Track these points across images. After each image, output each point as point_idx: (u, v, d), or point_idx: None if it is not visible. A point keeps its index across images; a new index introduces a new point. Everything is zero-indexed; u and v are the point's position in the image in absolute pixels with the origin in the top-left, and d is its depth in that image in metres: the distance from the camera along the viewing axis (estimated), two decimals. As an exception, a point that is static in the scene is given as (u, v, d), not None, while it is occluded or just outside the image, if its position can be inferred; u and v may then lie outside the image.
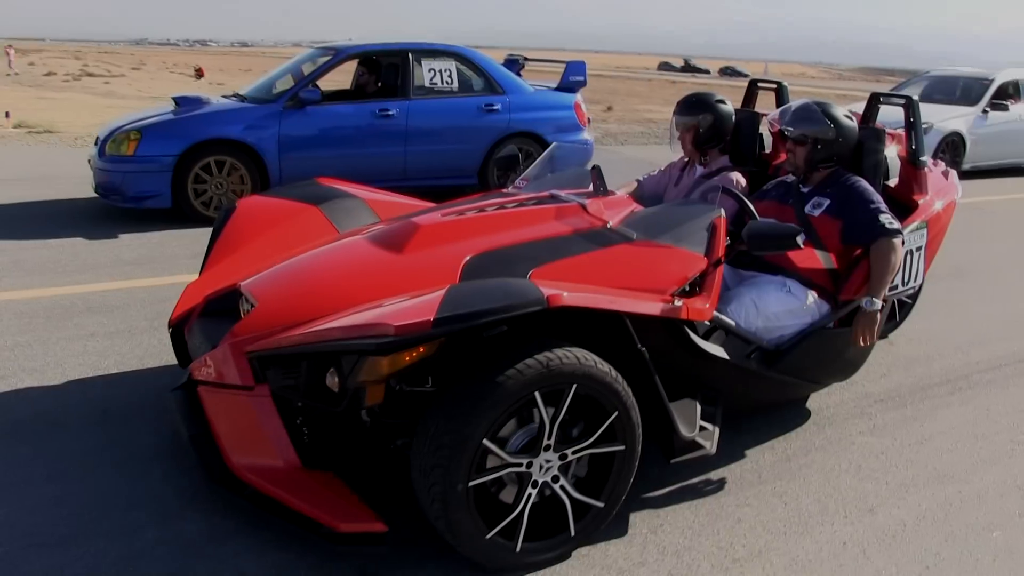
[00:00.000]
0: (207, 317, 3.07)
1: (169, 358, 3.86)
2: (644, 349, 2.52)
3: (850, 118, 3.57)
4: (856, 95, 40.45)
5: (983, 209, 9.33)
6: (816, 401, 3.81)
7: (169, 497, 2.77)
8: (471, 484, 2.26)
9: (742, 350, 3.18)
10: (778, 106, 4.42)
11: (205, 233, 6.24)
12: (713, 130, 3.92)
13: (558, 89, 8.53)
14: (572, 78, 8.57)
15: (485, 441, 2.23)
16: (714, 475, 3.11)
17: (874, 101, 4.09)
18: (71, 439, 3.13)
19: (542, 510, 2.46)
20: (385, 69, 7.94)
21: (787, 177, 3.73)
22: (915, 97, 3.89)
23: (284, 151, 6.99)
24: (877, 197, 3.43)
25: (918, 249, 3.69)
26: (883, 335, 4.48)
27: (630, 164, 4.14)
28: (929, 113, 11.42)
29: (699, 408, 2.88)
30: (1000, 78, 12.36)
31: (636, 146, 14.65)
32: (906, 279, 3.64)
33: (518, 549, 2.40)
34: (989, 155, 11.97)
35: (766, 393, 3.39)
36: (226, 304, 3.06)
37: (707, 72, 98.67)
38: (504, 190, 3.78)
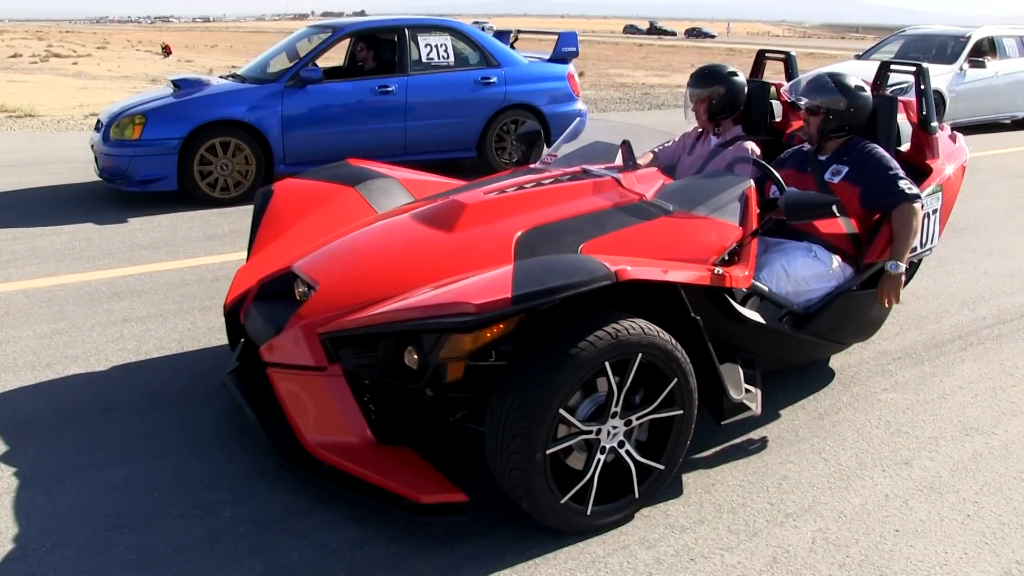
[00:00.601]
0: (263, 300, 3.13)
1: (207, 341, 3.96)
2: (698, 317, 2.64)
3: (863, 88, 3.68)
4: (824, 53, 40.89)
5: (969, 166, 9.51)
6: (837, 361, 3.96)
7: (238, 477, 2.85)
8: (548, 452, 2.37)
9: (775, 314, 3.32)
10: (786, 75, 4.52)
11: (214, 214, 6.42)
12: (726, 101, 3.99)
13: (551, 60, 8.62)
14: (565, 48, 8.65)
15: (561, 410, 2.34)
16: (755, 435, 3.26)
17: (884, 69, 4.20)
18: (127, 424, 3.20)
19: (607, 474, 2.58)
20: (383, 46, 7.95)
21: (803, 146, 3.85)
22: (924, 65, 4.01)
23: (287, 130, 7.02)
24: (894, 163, 3.56)
25: (934, 212, 3.83)
26: None
27: (652, 135, 4.21)
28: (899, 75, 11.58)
29: (741, 371, 3.01)
30: (976, 35, 12.54)
31: (619, 112, 14.71)
32: (924, 241, 3.78)
33: (588, 512, 2.53)
34: (969, 111, 12.18)
35: (796, 354, 3.54)
36: (280, 286, 3.12)
37: (673, 34, 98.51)
38: (531, 166, 3.86)
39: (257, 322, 3.02)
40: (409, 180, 3.87)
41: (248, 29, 71.13)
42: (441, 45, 7.86)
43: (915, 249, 3.69)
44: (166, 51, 31.26)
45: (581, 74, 24.23)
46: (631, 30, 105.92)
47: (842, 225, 3.53)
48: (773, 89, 4.42)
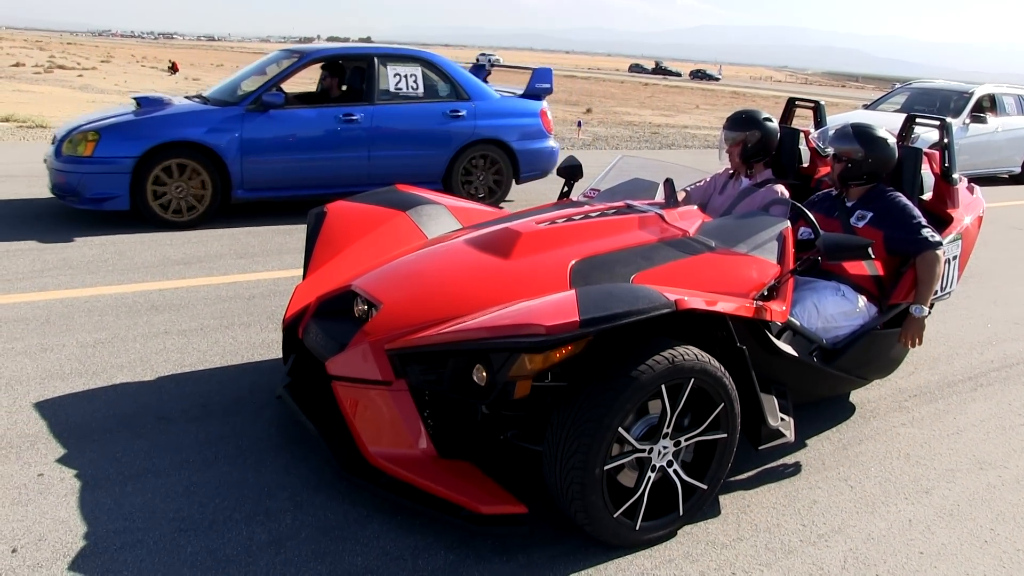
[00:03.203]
0: (323, 317, 3.26)
1: (248, 356, 4.08)
2: (744, 347, 2.81)
3: (886, 140, 3.87)
4: (827, 101, 41.41)
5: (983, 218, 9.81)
6: (857, 396, 4.14)
7: (297, 486, 2.98)
8: (605, 468, 2.52)
9: (805, 348, 3.48)
10: (815, 123, 4.74)
11: (167, 236, 6.43)
12: (760, 145, 4.18)
13: (524, 96, 8.55)
14: (538, 85, 8.59)
15: (620, 429, 2.49)
16: (784, 462, 3.41)
17: (910, 122, 4.43)
18: (181, 432, 3.32)
19: (654, 492, 2.72)
20: (350, 73, 7.96)
21: (831, 191, 4.05)
22: (949, 120, 4.24)
23: (246, 155, 6.90)
24: (917, 212, 3.77)
25: (954, 258, 4.05)
26: None
27: (688, 172, 4.40)
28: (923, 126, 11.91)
29: (776, 401, 3.18)
30: (979, 92, 12.95)
31: (630, 150, 14.97)
32: (944, 286, 4.00)
33: (637, 527, 2.67)
34: (970, 165, 12.51)
35: (823, 388, 3.71)
36: (339, 304, 3.27)
37: (678, 75, 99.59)
38: (574, 199, 4.04)
39: (319, 338, 3.15)
40: (456, 208, 4.05)
41: (252, 50, 71.65)
42: (411, 75, 7.78)
43: (936, 293, 3.87)
44: (173, 68, 31.54)
45: (588, 111, 24.77)
46: (636, 69, 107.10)
47: (867, 268, 3.73)
48: (802, 135, 4.63)
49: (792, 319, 3.39)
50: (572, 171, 4.24)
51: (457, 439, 2.85)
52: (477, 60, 9.86)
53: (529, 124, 8.35)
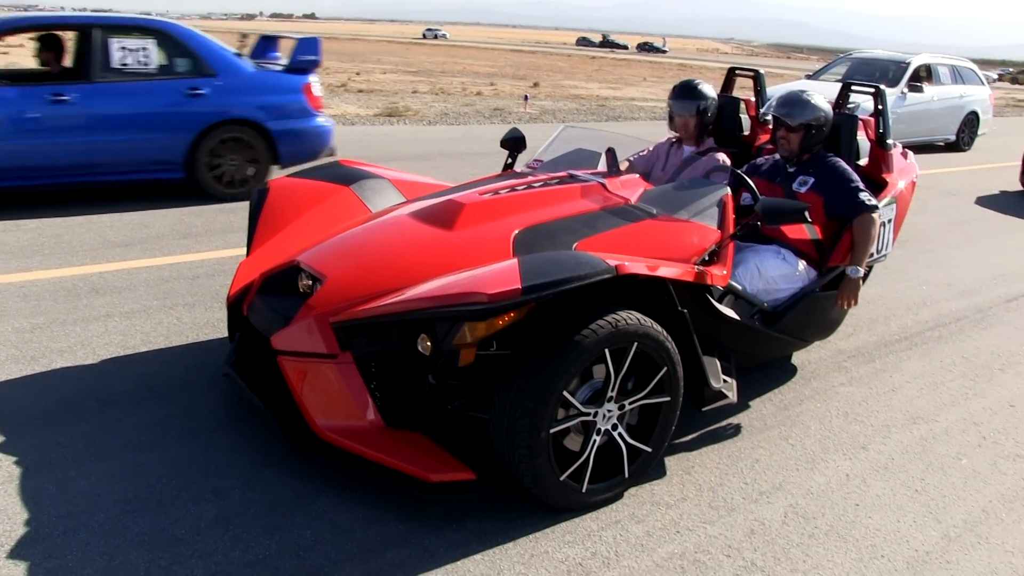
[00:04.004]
0: (268, 293, 3.23)
1: (193, 336, 4.03)
2: (685, 311, 2.86)
3: (828, 105, 3.96)
4: (772, 72, 41.92)
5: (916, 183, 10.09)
6: (798, 357, 4.25)
7: (244, 463, 2.97)
8: (551, 431, 2.56)
9: (747, 312, 3.57)
10: (755, 91, 4.81)
11: (107, 218, 6.15)
12: (707, 114, 4.21)
13: (288, 70, 7.51)
14: (303, 57, 7.50)
15: (564, 393, 2.53)
16: (727, 423, 3.50)
17: (846, 90, 4.53)
18: (126, 415, 3.27)
19: (600, 456, 2.78)
20: (70, 46, 7.11)
21: (773, 157, 4.13)
22: (883, 87, 4.34)
23: None
24: (856, 176, 3.87)
25: (889, 222, 4.17)
26: None
27: (632, 142, 4.43)
28: (854, 94, 12.15)
29: (719, 363, 3.25)
30: (916, 61, 13.25)
31: (577, 123, 15.02)
32: (880, 248, 4.12)
33: (584, 490, 2.72)
34: (908, 133, 12.79)
35: (765, 350, 3.81)
36: (283, 280, 3.24)
37: (625, 47, 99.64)
38: (517, 170, 4.05)
39: (264, 314, 3.13)
40: (400, 180, 4.05)
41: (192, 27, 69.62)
42: (140, 49, 6.77)
43: (872, 255, 4.00)
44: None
45: (535, 85, 24.73)
46: (584, 43, 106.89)
47: (807, 232, 3.81)
48: (742, 104, 4.69)
49: (734, 283, 3.47)
50: (515, 143, 4.26)
51: (405, 410, 2.87)
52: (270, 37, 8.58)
53: (289, 101, 7.33)
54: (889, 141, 4.34)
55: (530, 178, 3.63)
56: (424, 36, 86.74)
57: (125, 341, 3.97)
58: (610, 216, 3.24)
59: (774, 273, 3.70)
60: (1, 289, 4.57)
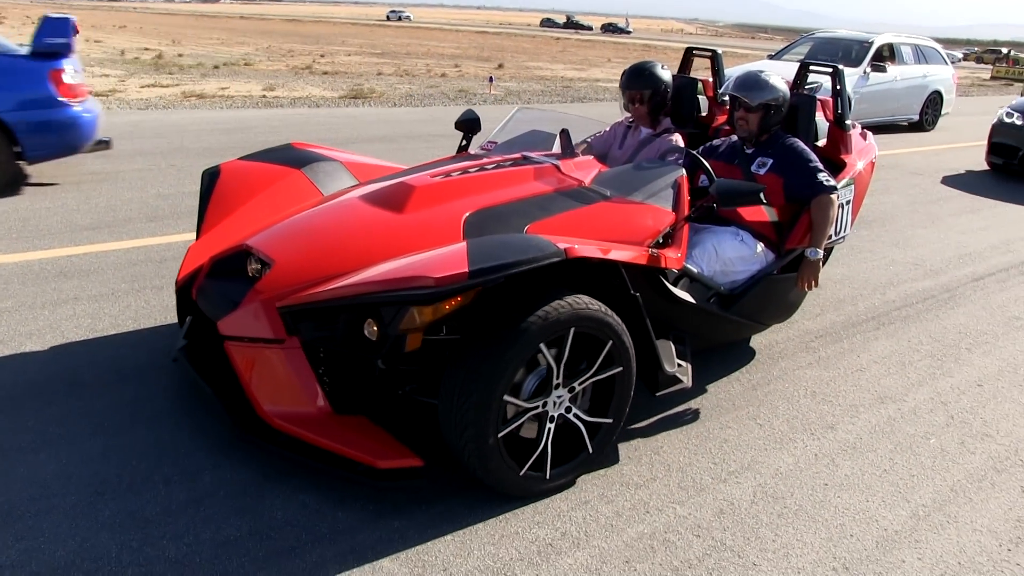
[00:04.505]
0: (216, 277, 3.16)
1: (161, 319, 4.00)
2: (637, 294, 2.85)
3: (785, 85, 3.96)
4: (736, 52, 42.23)
5: (877, 163, 10.18)
6: (766, 338, 4.30)
7: (212, 446, 2.96)
8: (500, 435, 2.54)
9: (703, 295, 3.56)
10: (712, 72, 4.79)
11: (74, 202, 6.02)
12: (663, 96, 4.16)
13: (34, 54, 6.35)
14: (49, 40, 6.35)
15: (505, 397, 2.51)
16: (695, 404, 3.54)
17: (804, 70, 4.55)
18: (95, 397, 3.25)
19: (560, 435, 2.77)
20: None
21: (731, 138, 4.13)
22: (841, 67, 4.36)
23: None
24: (814, 157, 3.88)
25: (847, 203, 4.21)
26: None
27: (587, 123, 4.42)
28: (816, 74, 12.23)
29: (674, 347, 3.25)
30: (878, 41, 13.31)
31: (542, 104, 14.99)
32: (838, 230, 4.15)
33: (548, 476, 2.73)
34: (871, 112, 12.92)
35: (722, 333, 3.82)
36: (232, 264, 3.15)
37: (589, 28, 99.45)
38: (471, 152, 4.01)
39: (212, 298, 3.07)
40: (353, 163, 4.00)
41: (158, 11, 68.84)
42: None
43: (831, 237, 4.03)
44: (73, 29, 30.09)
45: (500, 66, 24.65)
46: (548, 23, 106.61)
47: (766, 213, 3.83)
48: (700, 84, 4.68)
49: (690, 265, 3.48)
50: (470, 124, 4.20)
51: (354, 395, 2.82)
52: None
53: (30, 90, 6.27)
54: (848, 122, 4.37)
55: (483, 160, 3.58)
56: (388, 18, 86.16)
57: (93, 324, 3.93)
58: (563, 198, 3.20)
59: (732, 255, 3.70)
60: (-33, 272, 4.50)
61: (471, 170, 3.39)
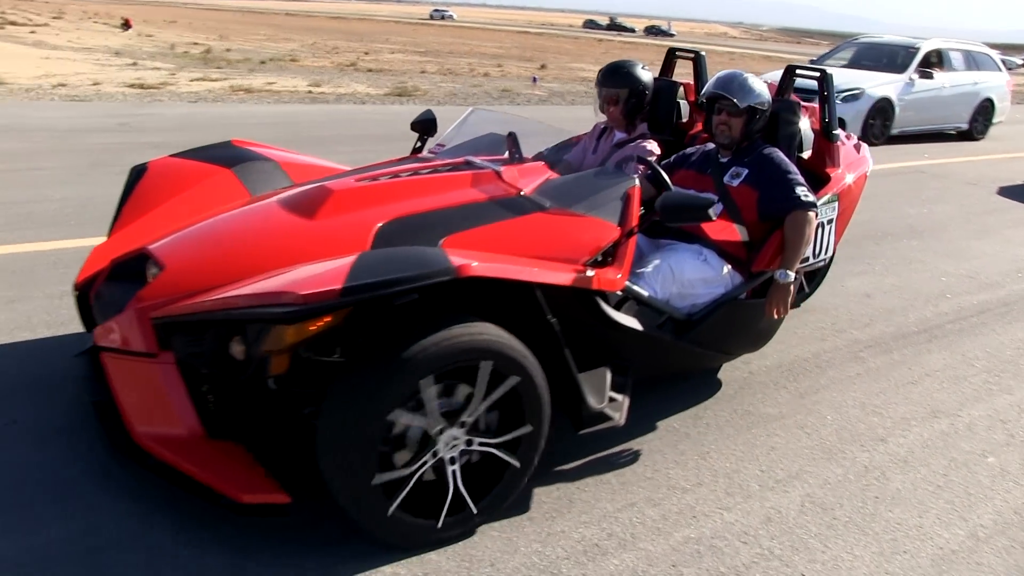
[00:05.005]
0: (114, 281, 2.93)
1: (65, 327, 3.71)
2: (554, 320, 2.50)
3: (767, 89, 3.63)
4: (781, 57, 41.55)
5: (924, 172, 10.01)
6: (813, 347, 4.22)
7: (99, 467, 2.69)
8: (377, 482, 2.26)
9: (654, 320, 3.18)
10: (695, 75, 4.53)
11: None
12: (640, 97, 3.88)
13: None
14: None
15: (382, 448, 2.26)
16: (742, 410, 3.47)
17: (790, 73, 4.18)
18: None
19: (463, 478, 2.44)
20: None
21: (707, 146, 3.77)
22: (829, 70, 4.01)
23: None
24: (793, 169, 3.50)
25: (829, 222, 3.86)
26: (794, 305, 4.42)
27: (543, 129, 3.83)
28: (860, 79, 12.04)
29: (609, 378, 2.89)
30: (925, 47, 13.01)
31: (584, 107, 14.94)
32: (817, 251, 3.80)
33: (440, 524, 2.42)
34: (917, 121, 12.64)
35: (677, 362, 3.40)
36: (134, 267, 2.90)
37: (632, 31, 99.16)
38: (419, 155, 3.74)
39: (103, 303, 2.86)
40: (292, 163, 3.70)
41: (206, 6, 69.84)
42: None
43: (807, 259, 3.70)
44: (126, 24, 30.69)
45: (543, 67, 24.61)
46: (590, 25, 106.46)
47: (736, 231, 3.48)
48: (682, 89, 4.45)
49: (639, 287, 3.09)
50: (426, 126, 3.95)
51: (237, 418, 2.52)
52: None
53: None
54: (836, 131, 4.03)
55: (421, 164, 3.32)
56: (432, 17, 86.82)
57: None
58: (496, 208, 2.87)
59: (692, 276, 3.28)
60: None
61: (403, 174, 3.12)
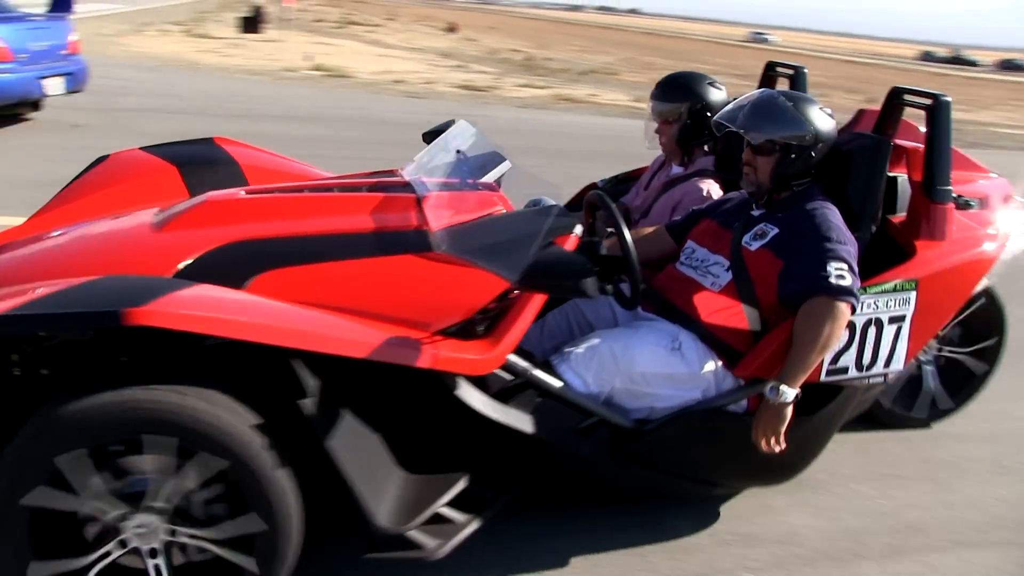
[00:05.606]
0: None
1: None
2: (303, 401, 1.89)
3: (831, 117, 2.61)
4: None
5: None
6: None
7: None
8: (48, 573, 1.86)
9: (571, 420, 2.36)
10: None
11: None
12: (698, 121, 3.07)
13: None
14: None
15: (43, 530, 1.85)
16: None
17: (894, 97, 2.91)
18: None
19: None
20: None
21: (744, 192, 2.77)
22: (946, 97, 2.73)
23: None
24: (840, 234, 2.42)
25: (896, 320, 2.62)
26: (924, 423, 3.43)
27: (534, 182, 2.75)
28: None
29: (455, 489, 2.18)
30: None
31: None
32: (868, 362, 2.58)
33: None
34: None
35: (617, 482, 2.56)
36: None
37: (975, 64, 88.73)
38: (394, 171, 3.01)
39: None
40: (263, 169, 3.28)
41: (521, 15, 73.97)
42: None
43: (843, 371, 2.53)
44: (451, 28, 33.58)
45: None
46: (927, 57, 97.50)
47: (744, 314, 2.49)
48: None
49: (549, 372, 2.32)
50: (434, 136, 3.16)
51: None
52: None
53: None
54: (946, 187, 2.70)
55: (351, 178, 2.91)
56: (750, 40, 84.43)
57: None
58: (372, 242, 2.32)
59: (647, 369, 2.36)
60: None
61: (306, 189, 2.70)
